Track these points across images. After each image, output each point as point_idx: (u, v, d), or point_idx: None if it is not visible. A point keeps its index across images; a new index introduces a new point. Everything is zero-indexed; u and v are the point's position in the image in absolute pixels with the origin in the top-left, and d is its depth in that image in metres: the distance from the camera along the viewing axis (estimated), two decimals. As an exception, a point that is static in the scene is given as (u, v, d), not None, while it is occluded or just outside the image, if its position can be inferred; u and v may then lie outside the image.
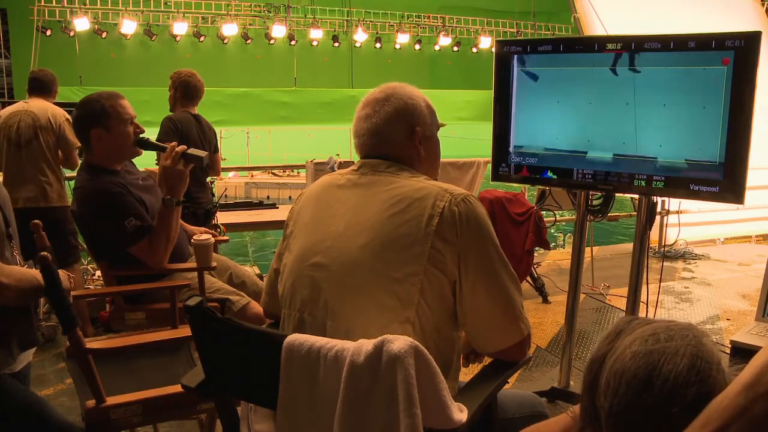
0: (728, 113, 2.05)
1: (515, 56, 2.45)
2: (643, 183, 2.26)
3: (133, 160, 2.53)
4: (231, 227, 3.82)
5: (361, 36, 15.50)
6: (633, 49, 2.20)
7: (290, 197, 11.23)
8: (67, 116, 3.62)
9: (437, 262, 1.26)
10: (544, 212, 3.88)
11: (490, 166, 2.65)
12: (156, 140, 2.65)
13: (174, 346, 2.07)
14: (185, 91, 3.61)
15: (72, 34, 12.95)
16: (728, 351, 2.21)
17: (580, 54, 2.38)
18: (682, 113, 2.15)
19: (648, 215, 2.42)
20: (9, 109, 3.66)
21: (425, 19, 16.39)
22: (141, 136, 2.39)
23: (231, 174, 11.52)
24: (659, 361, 0.82)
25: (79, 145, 3.52)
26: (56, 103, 3.80)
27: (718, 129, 2.07)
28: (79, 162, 3.51)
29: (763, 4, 6.36)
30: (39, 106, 3.62)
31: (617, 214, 5.99)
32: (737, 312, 4.03)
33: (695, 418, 0.73)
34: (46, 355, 3.28)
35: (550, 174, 2.46)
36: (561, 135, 2.41)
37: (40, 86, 3.73)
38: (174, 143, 2.36)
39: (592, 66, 2.32)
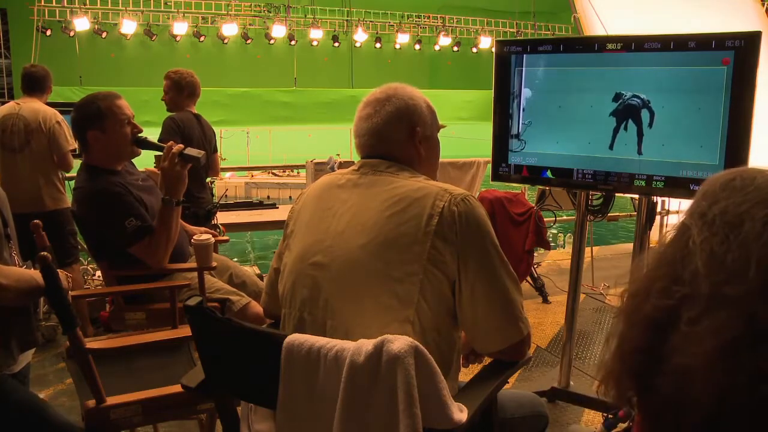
0: (728, 113, 2.04)
1: (515, 56, 2.46)
2: (643, 183, 2.26)
3: (133, 160, 2.53)
4: (231, 227, 3.82)
5: (361, 36, 15.47)
6: (633, 49, 2.20)
7: (290, 197, 11.22)
8: (59, 119, 3.58)
9: (437, 262, 1.26)
10: (544, 212, 3.88)
11: (490, 166, 2.65)
12: (158, 140, 2.65)
13: (174, 346, 2.07)
14: (192, 90, 3.61)
15: (72, 34, 12.93)
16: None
17: (580, 54, 2.38)
18: (682, 113, 2.15)
19: (648, 215, 2.42)
20: (1, 111, 3.62)
21: (425, 19, 16.37)
22: (139, 135, 2.39)
23: (228, 174, 11.50)
24: None
25: (72, 147, 3.51)
26: (54, 103, 3.78)
27: (718, 129, 2.07)
28: (73, 163, 3.50)
29: (763, 4, 6.36)
30: (30, 108, 3.55)
31: (617, 214, 5.98)
32: (737, 312, 4.02)
33: None
34: (46, 355, 3.28)
35: (549, 174, 2.46)
36: (561, 135, 2.41)
37: (34, 83, 3.67)
38: (171, 143, 2.35)
39: (592, 66, 2.32)
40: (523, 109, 2.47)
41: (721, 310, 0.63)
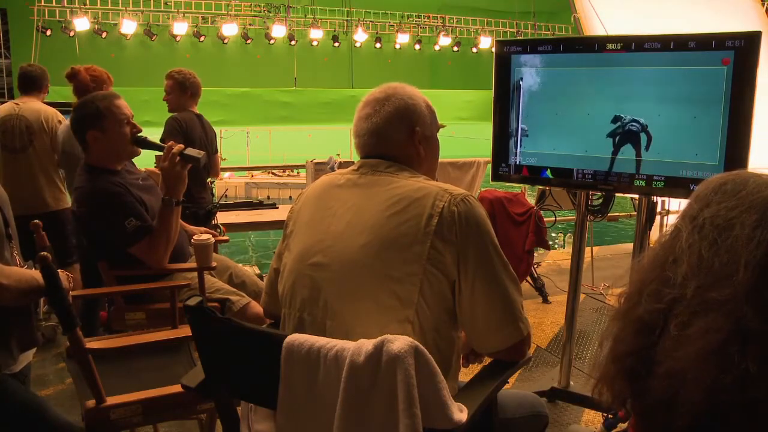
0: (728, 113, 2.04)
1: (515, 57, 2.46)
2: (643, 183, 2.26)
3: (133, 159, 2.53)
4: (231, 227, 3.82)
5: (361, 36, 15.47)
6: (633, 49, 2.20)
7: (290, 197, 11.22)
8: (60, 118, 3.58)
9: (437, 262, 1.26)
10: (544, 212, 3.88)
11: (490, 166, 2.65)
12: (161, 140, 2.65)
13: (174, 346, 2.07)
14: (195, 91, 3.61)
15: (72, 34, 12.94)
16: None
17: (580, 54, 2.38)
18: (682, 113, 2.15)
19: (648, 215, 2.42)
20: (0, 111, 3.60)
21: (425, 19, 16.37)
22: (138, 135, 2.40)
23: (227, 174, 11.50)
24: None
25: None
26: (54, 103, 3.77)
27: (718, 129, 2.07)
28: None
29: (763, 4, 6.36)
30: (31, 108, 3.54)
31: (617, 214, 5.98)
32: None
33: None
34: (46, 355, 3.28)
35: (549, 174, 2.46)
36: (561, 135, 2.41)
37: (30, 82, 3.65)
38: (171, 143, 2.36)
39: (592, 66, 2.32)
40: (523, 111, 2.46)
41: (709, 314, 0.63)
